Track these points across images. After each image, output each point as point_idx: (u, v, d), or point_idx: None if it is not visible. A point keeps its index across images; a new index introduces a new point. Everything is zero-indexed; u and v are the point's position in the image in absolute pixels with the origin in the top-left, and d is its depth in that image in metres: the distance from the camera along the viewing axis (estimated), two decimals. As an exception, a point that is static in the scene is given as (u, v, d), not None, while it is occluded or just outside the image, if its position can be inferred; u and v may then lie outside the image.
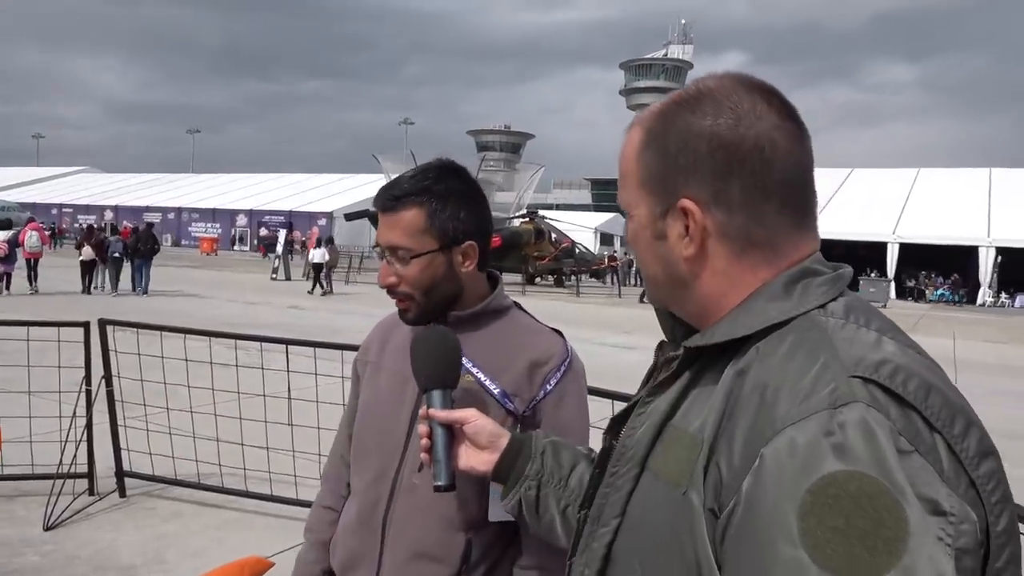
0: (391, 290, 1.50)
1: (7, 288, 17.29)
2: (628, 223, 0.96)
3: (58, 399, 4.80)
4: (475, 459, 1.28)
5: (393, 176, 1.61)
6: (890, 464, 0.68)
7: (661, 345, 1.01)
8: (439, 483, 1.25)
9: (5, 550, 4.11)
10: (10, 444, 4.80)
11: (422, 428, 1.27)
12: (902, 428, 0.71)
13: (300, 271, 23.14)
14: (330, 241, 22.96)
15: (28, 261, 18.08)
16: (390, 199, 1.48)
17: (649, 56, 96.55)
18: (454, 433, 1.29)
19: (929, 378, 0.76)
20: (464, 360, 1.51)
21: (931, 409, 0.73)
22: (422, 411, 1.29)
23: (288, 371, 4.58)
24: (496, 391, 1.45)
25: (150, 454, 4.86)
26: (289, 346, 4.66)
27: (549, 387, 1.45)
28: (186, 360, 4.81)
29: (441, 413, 1.26)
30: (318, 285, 21.73)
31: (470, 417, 1.28)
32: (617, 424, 1.01)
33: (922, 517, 0.67)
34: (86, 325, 4.90)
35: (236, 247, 50.51)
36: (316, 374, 4.50)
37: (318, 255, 22.04)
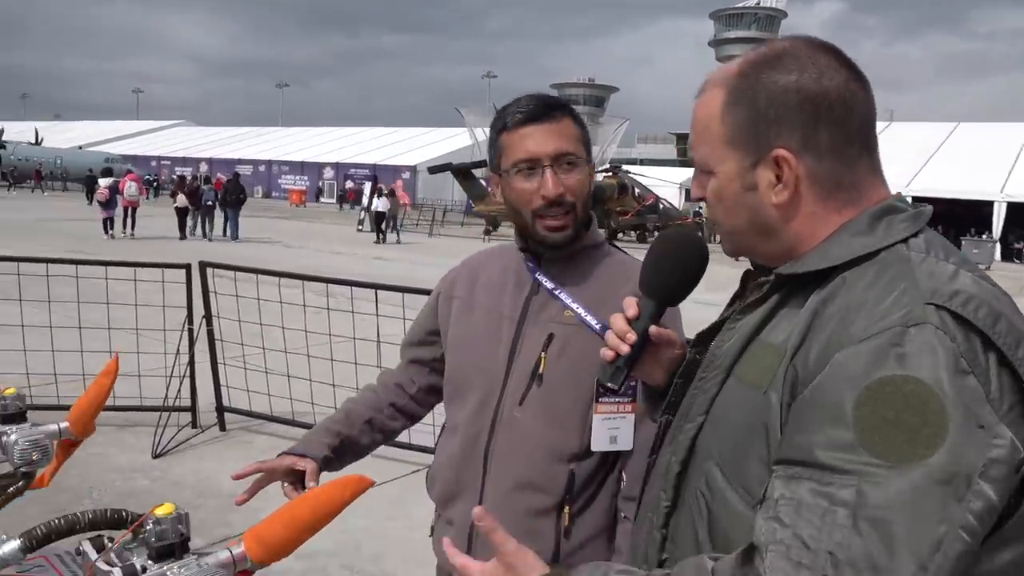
0: (557, 202, 1.45)
1: (110, 232, 18.30)
2: (708, 181, 1.03)
3: (163, 337, 5.06)
4: (650, 374, 1.25)
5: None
6: (946, 378, 0.78)
7: (747, 275, 1.11)
8: (612, 384, 1.16)
9: (118, 475, 4.41)
10: (121, 378, 5.09)
11: (630, 335, 1.15)
12: (964, 352, 0.80)
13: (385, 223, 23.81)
14: (391, 193, 24.14)
15: (126, 209, 19.14)
16: (547, 107, 1.47)
17: (740, 5, 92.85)
18: (647, 347, 1.21)
19: (999, 307, 0.85)
20: (563, 295, 1.51)
21: (998, 335, 0.82)
22: (653, 329, 1.17)
23: (377, 315, 4.70)
24: (597, 326, 1.44)
25: (248, 391, 5.09)
26: (378, 291, 4.77)
27: None
28: (280, 303, 4.99)
29: (664, 331, 1.19)
30: (380, 233, 22.89)
31: (678, 342, 1.24)
32: (701, 340, 1.13)
33: (963, 426, 0.77)
34: (188, 268, 5.13)
35: (322, 200, 51.63)
36: (404, 319, 4.58)
37: (381, 204, 23.06)
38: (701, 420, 1.03)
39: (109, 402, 4.69)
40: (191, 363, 5.04)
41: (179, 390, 4.90)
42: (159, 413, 4.85)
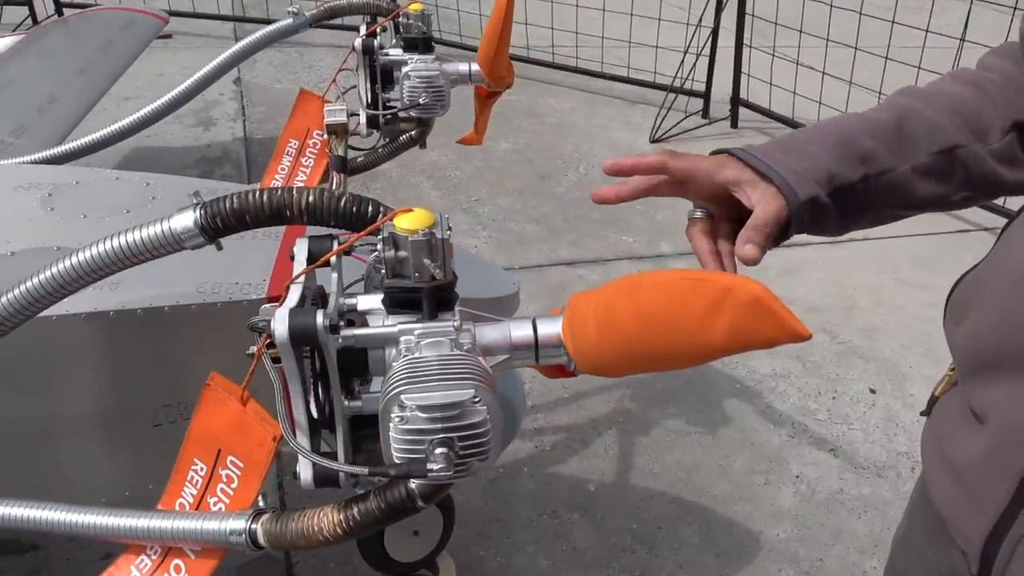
0: None
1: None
2: None
3: (687, 4, 4.30)
4: None
5: None
6: None
7: None
8: None
9: (611, 151, 4.06)
10: (637, 48, 4.63)
11: None
12: None
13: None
14: None
15: None
16: None
17: None
18: None
19: None
20: None
21: None
22: None
23: None
24: None
25: (770, 85, 4.17)
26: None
27: None
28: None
29: None
30: None
31: None
32: None
33: None
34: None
35: None
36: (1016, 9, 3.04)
37: None
38: None
39: (622, 72, 4.17)
40: (714, 34, 4.25)
41: (693, 70, 4.20)
42: (666, 93, 4.28)
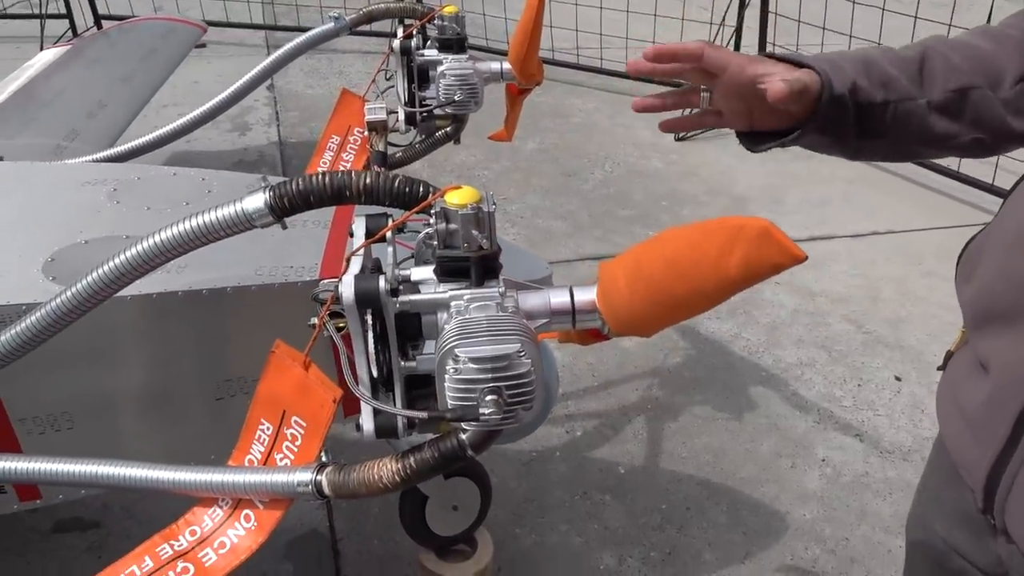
0: None
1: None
2: None
3: (710, 4, 4.36)
4: None
5: None
6: None
7: None
8: None
9: (635, 150, 4.13)
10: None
11: None
12: None
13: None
14: None
15: None
16: None
17: None
18: None
19: None
20: None
21: None
22: None
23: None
24: None
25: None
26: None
27: None
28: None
29: None
30: None
31: None
32: None
33: None
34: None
35: None
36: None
37: None
38: None
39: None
40: (737, 34, 4.30)
41: (717, 69, 4.25)
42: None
